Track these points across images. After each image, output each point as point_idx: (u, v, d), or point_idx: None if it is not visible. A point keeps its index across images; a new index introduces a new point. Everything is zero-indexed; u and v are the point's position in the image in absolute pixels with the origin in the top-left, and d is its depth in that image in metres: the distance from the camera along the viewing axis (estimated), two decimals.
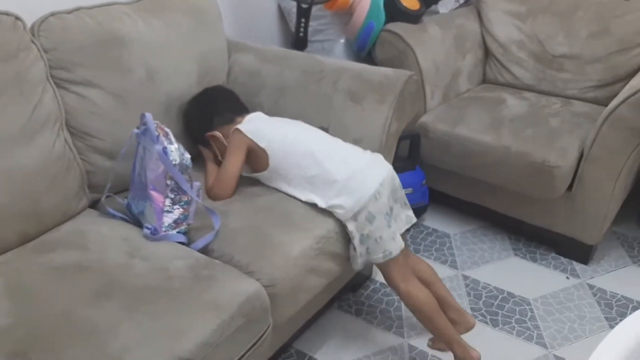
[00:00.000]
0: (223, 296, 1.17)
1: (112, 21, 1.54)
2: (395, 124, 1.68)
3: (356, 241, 1.47)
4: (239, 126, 1.57)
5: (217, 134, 1.61)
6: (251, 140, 1.53)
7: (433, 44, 2.27)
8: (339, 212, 1.45)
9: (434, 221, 2.29)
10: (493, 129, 2.04)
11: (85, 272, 1.20)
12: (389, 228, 1.48)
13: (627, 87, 1.84)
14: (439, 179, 2.24)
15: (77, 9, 1.50)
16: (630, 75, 2.19)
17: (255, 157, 1.55)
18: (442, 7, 2.53)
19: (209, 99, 1.68)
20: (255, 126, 1.57)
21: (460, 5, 2.64)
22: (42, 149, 1.36)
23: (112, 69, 1.51)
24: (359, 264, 1.50)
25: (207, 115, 1.64)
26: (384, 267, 1.53)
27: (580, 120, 2.09)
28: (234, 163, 1.54)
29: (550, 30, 2.38)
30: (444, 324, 1.52)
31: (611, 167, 1.89)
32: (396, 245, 1.50)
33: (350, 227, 1.46)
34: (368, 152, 1.57)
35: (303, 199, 1.49)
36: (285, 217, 1.44)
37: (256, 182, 1.58)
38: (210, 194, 1.54)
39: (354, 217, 1.45)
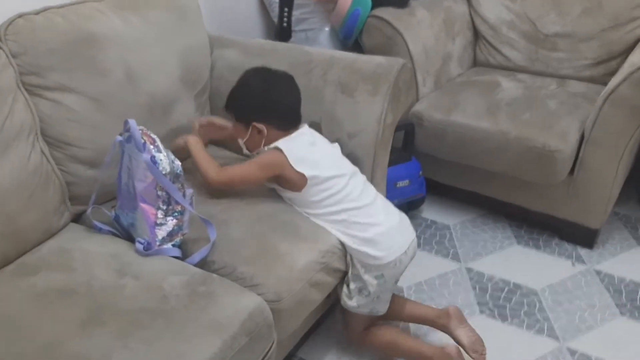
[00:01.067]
0: (223, 314, 1.08)
1: (84, 20, 1.43)
2: (391, 115, 1.60)
3: (352, 285, 1.42)
4: (284, 147, 1.40)
5: (265, 130, 1.44)
6: (291, 168, 1.38)
7: (422, 29, 2.18)
8: (363, 258, 1.39)
9: (432, 212, 2.21)
10: (490, 114, 1.97)
11: (72, 296, 1.11)
12: (390, 292, 1.47)
13: (627, 64, 1.77)
14: (435, 169, 2.17)
15: (46, 9, 1.38)
16: (626, 51, 2.13)
17: (288, 179, 1.40)
18: None
19: (282, 93, 1.48)
20: (299, 154, 1.41)
21: None
22: (16, 162, 1.25)
23: (87, 71, 1.41)
24: (347, 302, 1.46)
25: (270, 107, 1.44)
26: (349, 316, 1.50)
27: (578, 100, 2.03)
28: (253, 177, 1.43)
29: (541, 8, 2.31)
30: (407, 350, 1.51)
31: (613, 149, 1.83)
32: (386, 305, 1.48)
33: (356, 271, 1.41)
34: (394, 208, 1.49)
35: (338, 236, 1.40)
36: (289, 226, 1.36)
37: (258, 187, 1.49)
38: (210, 179, 1.42)
39: (365, 270, 1.40)
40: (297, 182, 1.39)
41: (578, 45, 2.24)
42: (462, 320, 1.53)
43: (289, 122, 1.48)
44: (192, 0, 1.73)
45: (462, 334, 1.50)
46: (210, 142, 1.63)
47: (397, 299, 1.59)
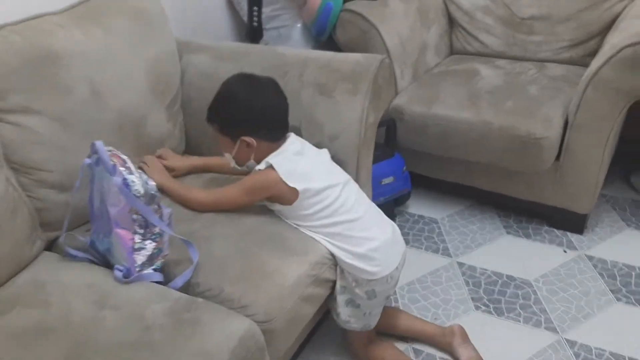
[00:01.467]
0: (212, 342, 1.02)
1: (43, 36, 1.34)
2: (373, 114, 1.54)
3: (341, 298, 1.38)
4: (276, 163, 1.31)
5: (254, 143, 1.35)
6: (284, 184, 1.30)
7: (396, 20, 2.13)
8: (356, 272, 1.34)
9: (419, 207, 2.17)
10: (471, 104, 1.93)
11: (50, 335, 1.04)
12: (381, 306, 1.43)
13: (609, 46, 1.74)
14: (419, 163, 2.12)
15: (1, 27, 1.30)
16: (603, 30, 2.10)
17: (280, 195, 1.33)
18: None
19: (270, 102, 1.38)
20: (290, 167, 1.33)
21: None
22: None
23: (50, 91, 1.32)
24: (338, 317, 1.42)
25: (260, 119, 1.35)
26: (348, 333, 1.48)
27: (559, 84, 2.00)
28: (242, 201, 1.36)
29: None
30: None
31: (599, 133, 1.80)
32: (377, 319, 1.45)
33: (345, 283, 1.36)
34: (386, 218, 1.44)
35: (329, 248, 1.34)
36: (276, 239, 1.30)
37: None
38: (194, 206, 1.38)
39: (356, 284, 1.35)
40: (289, 197, 1.32)
41: (555, 28, 2.20)
42: (466, 339, 1.51)
43: (278, 132, 1.40)
44: (156, 5, 1.65)
45: (464, 353, 1.47)
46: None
47: (396, 312, 1.57)
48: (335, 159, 1.50)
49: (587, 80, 1.75)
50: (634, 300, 1.69)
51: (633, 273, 1.79)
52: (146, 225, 1.18)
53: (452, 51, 2.44)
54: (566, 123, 1.83)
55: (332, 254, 1.33)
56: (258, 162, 1.36)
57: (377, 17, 2.04)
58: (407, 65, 2.14)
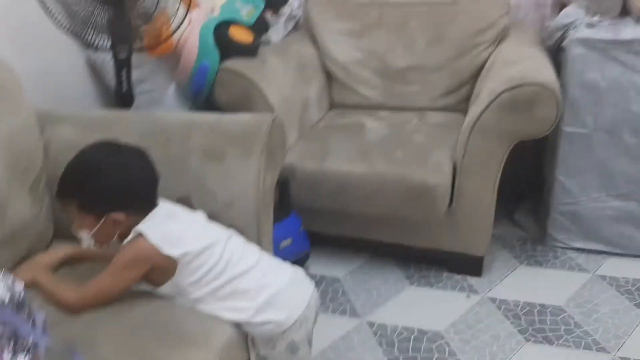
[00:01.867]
0: None
1: None
2: (269, 176, 1.44)
3: None
4: (144, 229, 1.16)
5: (123, 219, 1.18)
6: (159, 252, 1.14)
7: (277, 77, 2.07)
8: (266, 328, 1.20)
9: (319, 267, 2.07)
10: (363, 157, 1.90)
11: None
12: (310, 355, 1.30)
13: (487, 91, 1.79)
14: (315, 221, 2.04)
15: None
16: (474, 76, 2.19)
17: (158, 267, 1.16)
18: (274, 35, 2.35)
19: (140, 173, 1.22)
20: (163, 231, 1.17)
21: (290, 31, 2.49)
22: None
23: None
24: None
25: (130, 193, 1.19)
26: None
27: (441, 131, 2.04)
28: (125, 282, 1.17)
29: (387, 44, 2.32)
30: None
31: (487, 176, 1.84)
32: None
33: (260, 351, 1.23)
34: (284, 262, 1.32)
35: (219, 315, 1.18)
36: (173, 330, 1.12)
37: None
38: (70, 307, 1.16)
39: (273, 345, 1.20)
40: (168, 267, 1.16)
41: (429, 77, 2.27)
42: None
43: (149, 204, 1.24)
44: (10, 74, 1.44)
45: None
46: None
47: None
48: (233, 228, 1.36)
49: (470, 126, 1.78)
50: (541, 339, 1.70)
51: (535, 310, 1.82)
52: (16, 336, 0.96)
53: (334, 105, 2.43)
54: (454, 169, 1.85)
55: (237, 324, 1.19)
56: (123, 238, 1.19)
57: (258, 75, 1.96)
58: (293, 121, 2.08)
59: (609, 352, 1.64)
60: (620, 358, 1.61)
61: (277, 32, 2.38)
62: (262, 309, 1.19)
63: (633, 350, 1.64)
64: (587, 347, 1.66)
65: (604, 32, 1.86)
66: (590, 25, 1.90)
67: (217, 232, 1.26)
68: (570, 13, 1.97)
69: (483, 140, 1.78)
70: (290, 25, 2.48)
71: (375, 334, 1.75)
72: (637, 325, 1.73)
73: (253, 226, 1.40)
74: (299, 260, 2.00)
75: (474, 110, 1.81)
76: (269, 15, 2.30)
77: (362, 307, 1.87)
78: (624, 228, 2.03)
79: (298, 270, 1.31)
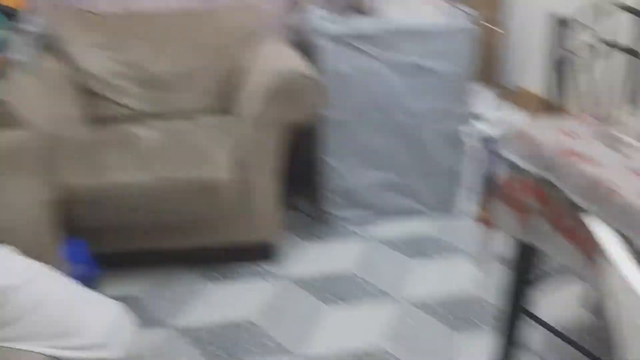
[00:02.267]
0: None
1: None
2: (47, 191, 1.35)
3: None
4: None
5: None
6: None
7: (35, 99, 1.91)
8: None
9: (115, 287, 1.94)
10: (143, 165, 1.87)
11: None
12: None
13: (253, 88, 1.90)
14: (102, 240, 1.92)
15: None
16: (238, 78, 2.28)
17: None
18: (24, 56, 2.15)
19: None
20: None
21: (40, 51, 2.30)
22: None
23: None
24: None
25: None
26: None
27: (216, 133, 2.08)
28: None
29: (144, 52, 2.29)
30: None
31: (267, 167, 1.95)
32: None
33: None
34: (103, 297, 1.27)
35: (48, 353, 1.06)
36: None
37: None
38: None
39: None
40: None
41: (191, 81, 2.29)
42: None
43: None
44: None
45: None
46: None
47: None
48: (15, 251, 1.24)
49: (245, 122, 1.88)
50: (340, 302, 1.88)
51: (331, 281, 1.99)
52: None
53: (98, 119, 2.30)
54: (237, 164, 1.93)
55: None
56: None
57: (14, 98, 1.78)
58: (57, 139, 1.93)
59: (393, 297, 1.90)
60: (404, 298, 1.88)
61: (27, 53, 2.19)
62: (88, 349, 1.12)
63: (415, 291, 1.92)
64: (374, 296, 1.91)
65: (346, 27, 2.11)
66: (333, 22, 2.14)
67: (21, 271, 1.14)
68: (314, 12, 2.20)
69: (261, 133, 1.89)
70: (40, 44, 2.30)
71: (188, 337, 1.74)
72: (413, 271, 2.03)
73: (38, 248, 1.30)
74: (91, 285, 1.87)
75: (246, 107, 1.91)
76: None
77: (166, 315, 1.85)
78: (387, 195, 2.32)
79: (117, 305, 1.28)
